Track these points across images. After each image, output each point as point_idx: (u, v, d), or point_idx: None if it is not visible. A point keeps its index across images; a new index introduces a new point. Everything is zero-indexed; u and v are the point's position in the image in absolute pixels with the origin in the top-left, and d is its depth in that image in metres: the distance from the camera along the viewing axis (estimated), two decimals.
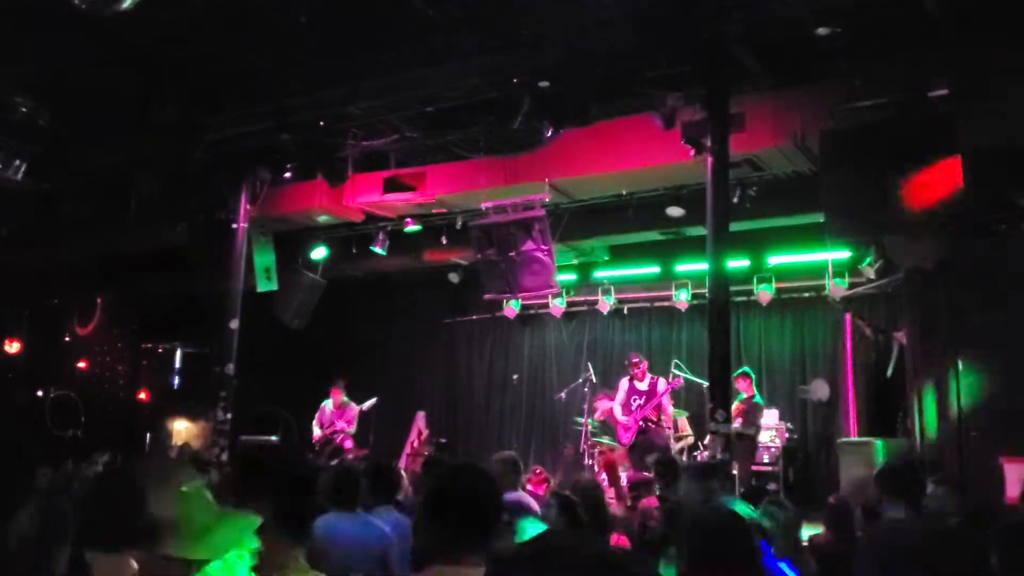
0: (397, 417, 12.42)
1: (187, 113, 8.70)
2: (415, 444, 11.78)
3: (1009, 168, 7.01)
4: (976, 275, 7.45)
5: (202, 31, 7.20)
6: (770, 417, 10.07)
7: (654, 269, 11.69)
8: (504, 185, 9.41)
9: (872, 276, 9.38)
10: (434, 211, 10.39)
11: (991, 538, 3.11)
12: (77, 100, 8.43)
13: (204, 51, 7.54)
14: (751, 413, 9.59)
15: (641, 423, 10.00)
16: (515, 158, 9.16)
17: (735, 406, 8.98)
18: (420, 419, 11.73)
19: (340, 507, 4.20)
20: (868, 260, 9.22)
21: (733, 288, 8.04)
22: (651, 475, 6.47)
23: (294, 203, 10.64)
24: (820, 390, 10.24)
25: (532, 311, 12.85)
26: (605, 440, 10.42)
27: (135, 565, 1.43)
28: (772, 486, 9.22)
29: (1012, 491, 6.49)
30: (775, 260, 10.71)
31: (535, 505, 5.22)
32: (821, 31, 6.52)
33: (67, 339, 14.73)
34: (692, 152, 7.61)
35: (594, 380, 11.06)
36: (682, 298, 11.35)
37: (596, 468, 9.98)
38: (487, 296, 10.77)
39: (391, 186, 9.92)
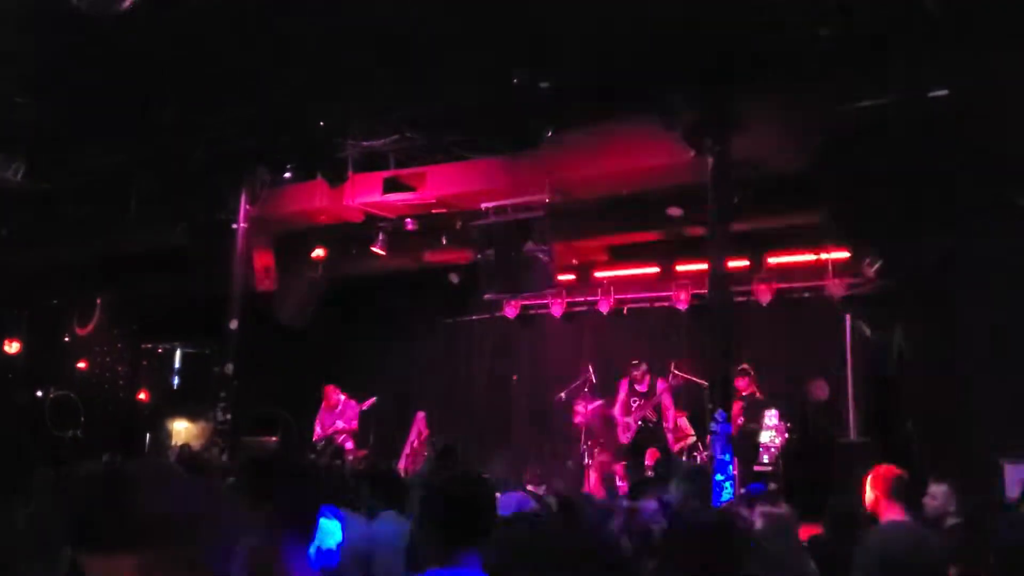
0: (397, 417, 12.41)
1: (187, 113, 8.70)
2: (415, 444, 11.77)
3: (1009, 168, 7.02)
4: (976, 275, 7.46)
5: (202, 31, 7.19)
6: (770, 417, 10.06)
7: (654, 269, 11.69)
8: (504, 185, 9.41)
9: (872, 276, 9.37)
10: (434, 211, 10.39)
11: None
12: (77, 100, 8.43)
13: (204, 51, 7.54)
14: (752, 411, 9.60)
15: (640, 423, 10.01)
16: (515, 158, 9.16)
17: (736, 405, 9.00)
18: (420, 419, 11.72)
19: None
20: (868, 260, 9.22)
21: (733, 288, 8.04)
22: (651, 476, 6.47)
23: (294, 203, 10.64)
24: (820, 390, 10.24)
25: (532, 311, 12.84)
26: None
27: (128, 566, 1.42)
28: (772, 486, 9.22)
29: (1012, 492, 6.50)
30: (775, 260, 10.71)
31: (533, 505, 5.22)
32: (822, 31, 6.52)
33: (67, 339, 14.73)
34: (692, 152, 7.61)
35: (594, 380, 11.07)
36: (682, 299, 11.35)
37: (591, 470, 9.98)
38: (487, 296, 10.77)
39: (391, 186, 9.91)
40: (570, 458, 11.13)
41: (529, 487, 7.39)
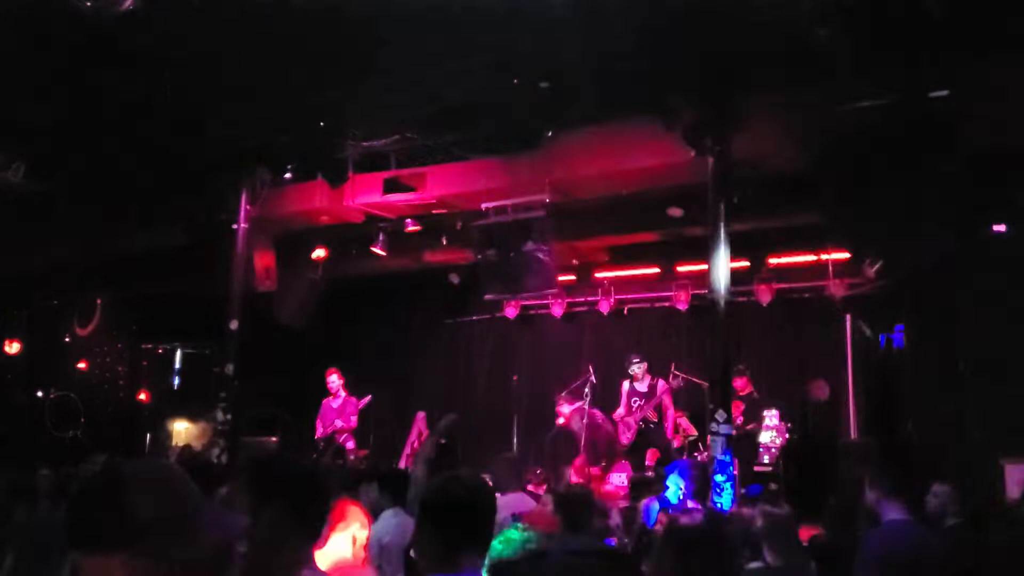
0: (397, 418, 12.41)
1: (189, 113, 8.70)
2: (415, 444, 11.76)
3: (1009, 169, 7.02)
4: (976, 275, 7.46)
5: (202, 31, 7.19)
6: (770, 417, 10.07)
7: (654, 269, 11.69)
8: (504, 186, 9.42)
9: (872, 277, 9.38)
10: (434, 212, 10.39)
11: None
12: (77, 101, 8.43)
13: (204, 51, 7.54)
14: (751, 411, 9.61)
15: (641, 423, 10.01)
16: (515, 159, 9.16)
17: (735, 405, 8.98)
18: (420, 420, 11.71)
19: None
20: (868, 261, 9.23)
21: (733, 288, 8.04)
22: (652, 476, 6.48)
23: (294, 204, 10.65)
24: (820, 390, 10.25)
25: (532, 311, 12.84)
26: None
27: (123, 567, 1.42)
28: (773, 486, 9.22)
29: (1012, 492, 6.50)
30: (775, 260, 10.71)
31: (533, 506, 5.24)
32: (822, 32, 6.52)
33: (67, 340, 14.73)
34: (693, 153, 7.61)
35: (594, 381, 11.07)
36: (682, 299, 11.35)
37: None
38: (487, 297, 10.78)
39: (391, 187, 9.92)
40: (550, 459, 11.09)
41: (529, 487, 7.38)
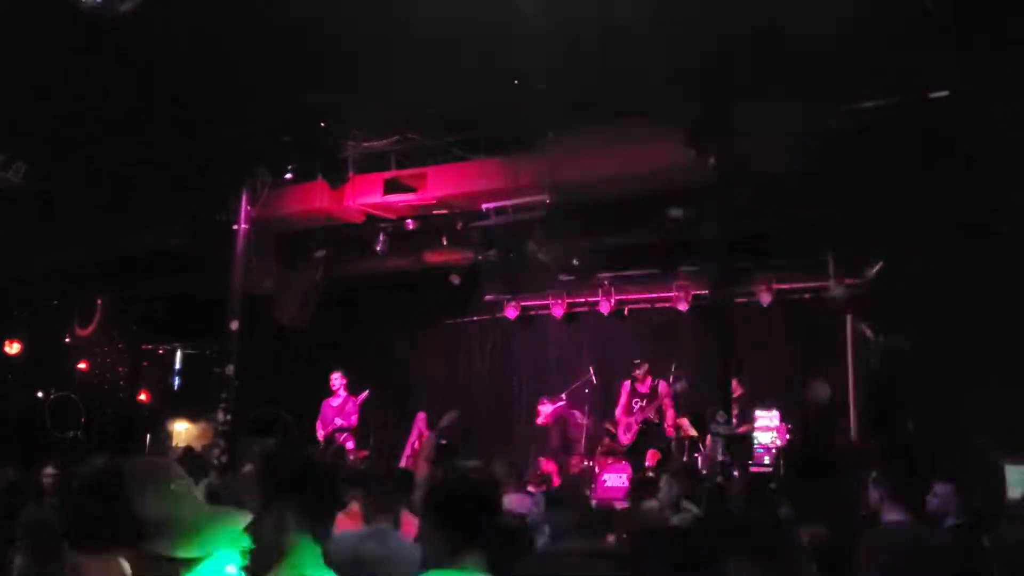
0: (398, 418, 12.41)
1: (188, 113, 8.70)
2: (416, 445, 11.76)
3: (1010, 169, 7.01)
4: (976, 276, 7.46)
5: (203, 31, 7.20)
6: (771, 418, 10.06)
7: (655, 270, 11.69)
8: (505, 186, 9.41)
9: (873, 277, 9.38)
10: (435, 212, 10.39)
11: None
12: (77, 101, 8.43)
13: (205, 51, 7.54)
14: (745, 412, 9.61)
15: (642, 425, 10.02)
16: (516, 159, 9.16)
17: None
18: (421, 420, 11.71)
19: None
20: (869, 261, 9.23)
21: (734, 289, 8.03)
22: (653, 477, 6.47)
23: (295, 204, 10.64)
24: (821, 391, 10.24)
25: (533, 312, 12.85)
26: None
27: (125, 565, 1.42)
28: (773, 487, 9.22)
29: (1013, 493, 6.49)
30: (776, 261, 10.70)
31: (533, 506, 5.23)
32: (822, 32, 6.52)
33: (67, 340, 14.73)
34: (693, 153, 7.61)
35: (595, 381, 11.08)
36: (683, 299, 11.35)
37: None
38: (488, 297, 10.79)
39: (392, 187, 9.92)
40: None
41: (530, 488, 7.38)
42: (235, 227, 9.83)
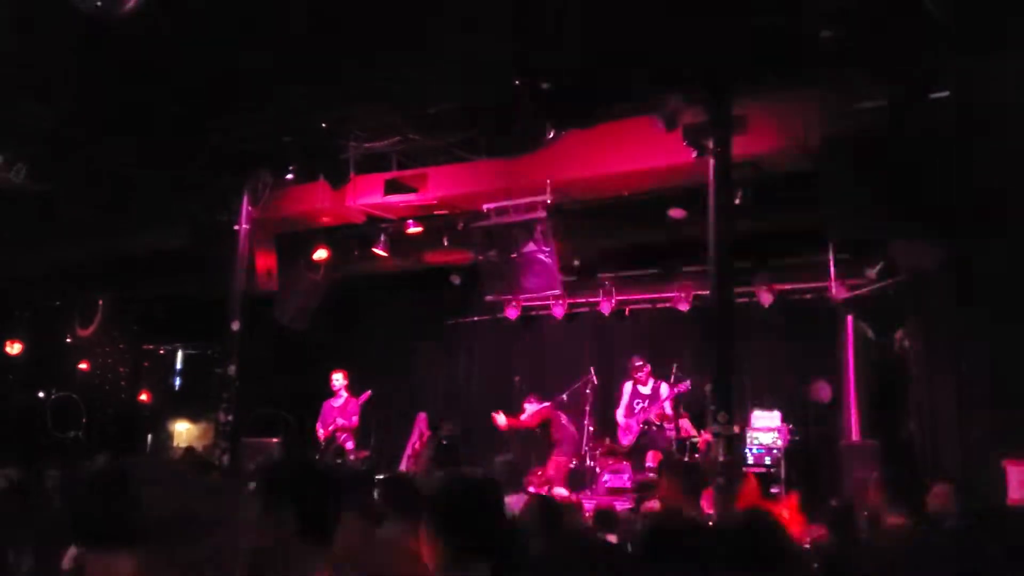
0: (398, 418, 12.42)
1: (188, 115, 8.71)
2: (416, 446, 11.78)
3: (1010, 170, 7.01)
4: (978, 276, 7.46)
5: (204, 31, 7.20)
6: (772, 419, 10.07)
7: (656, 270, 11.69)
8: (506, 187, 9.42)
9: (874, 278, 9.38)
10: (436, 212, 10.40)
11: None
12: (78, 102, 8.43)
13: (205, 52, 7.54)
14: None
15: (643, 426, 10.02)
16: (517, 160, 9.16)
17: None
18: (421, 420, 11.73)
19: None
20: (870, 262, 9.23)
21: (735, 290, 8.03)
22: (655, 477, 6.48)
23: (296, 205, 10.66)
24: (822, 392, 10.24)
25: (533, 312, 12.85)
26: None
27: (131, 564, 1.42)
28: (774, 489, 9.22)
29: (1015, 494, 6.49)
30: (777, 262, 10.71)
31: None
32: (824, 34, 6.52)
33: (68, 340, 14.74)
34: (694, 154, 7.61)
35: (595, 382, 11.08)
36: (684, 300, 11.35)
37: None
38: (488, 297, 10.79)
39: (393, 188, 9.93)
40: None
41: (531, 489, 7.39)
42: (236, 227, 9.84)
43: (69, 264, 12.80)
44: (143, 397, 15.10)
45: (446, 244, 10.85)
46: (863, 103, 7.02)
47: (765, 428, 9.87)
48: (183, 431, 14.99)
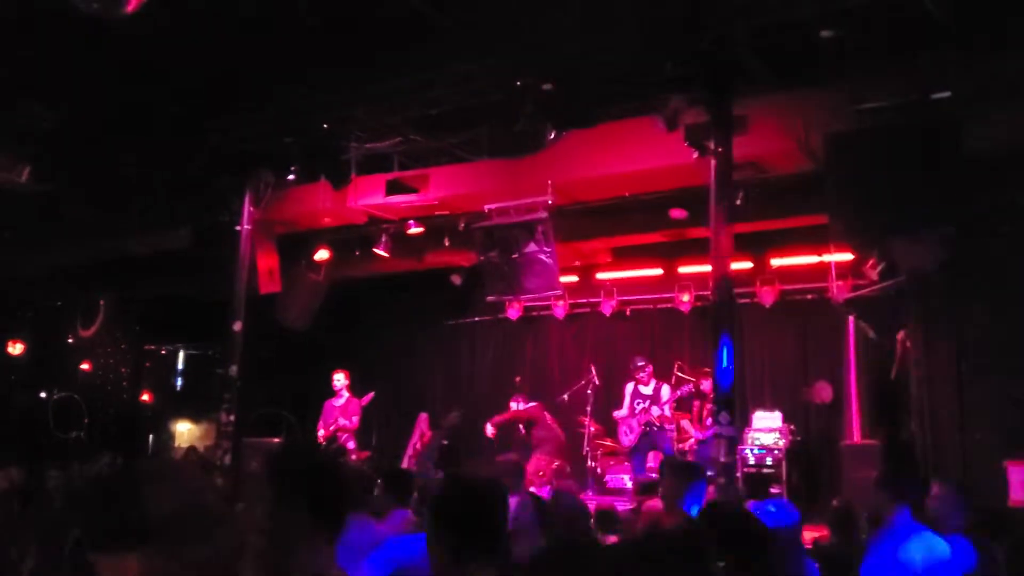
0: (399, 419, 12.42)
1: (190, 115, 8.72)
2: (417, 446, 11.78)
3: (1011, 170, 7.02)
4: (979, 277, 7.46)
5: (205, 32, 7.21)
6: (773, 419, 10.07)
7: (657, 271, 11.70)
8: (507, 187, 9.42)
9: (875, 278, 9.37)
10: (437, 213, 10.40)
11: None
12: (80, 102, 8.45)
13: (207, 52, 7.55)
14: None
15: (644, 427, 10.01)
16: (518, 160, 9.17)
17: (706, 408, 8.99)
18: (423, 421, 11.73)
19: None
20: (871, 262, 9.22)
21: (736, 290, 8.04)
22: (657, 477, 6.47)
23: (297, 205, 10.66)
24: (823, 392, 10.24)
25: (534, 313, 12.85)
26: None
27: (138, 566, 1.43)
28: (775, 489, 9.22)
29: (1017, 494, 6.49)
30: (778, 262, 10.71)
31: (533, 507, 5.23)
32: (825, 34, 6.53)
33: (70, 341, 14.76)
34: (695, 154, 7.62)
35: (597, 382, 11.08)
36: (685, 300, 11.35)
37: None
38: (490, 298, 10.78)
39: (394, 188, 9.93)
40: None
41: (532, 489, 7.39)
42: (238, 228, 9.85)
43: (71, 264, 12.82)
44: (145, 397, 15.12)
45: (447, 245, 10.85)
46: (864, 103, 7.01)
47: (766, 428, 9.87)
48: (185, 431, 15.01)
